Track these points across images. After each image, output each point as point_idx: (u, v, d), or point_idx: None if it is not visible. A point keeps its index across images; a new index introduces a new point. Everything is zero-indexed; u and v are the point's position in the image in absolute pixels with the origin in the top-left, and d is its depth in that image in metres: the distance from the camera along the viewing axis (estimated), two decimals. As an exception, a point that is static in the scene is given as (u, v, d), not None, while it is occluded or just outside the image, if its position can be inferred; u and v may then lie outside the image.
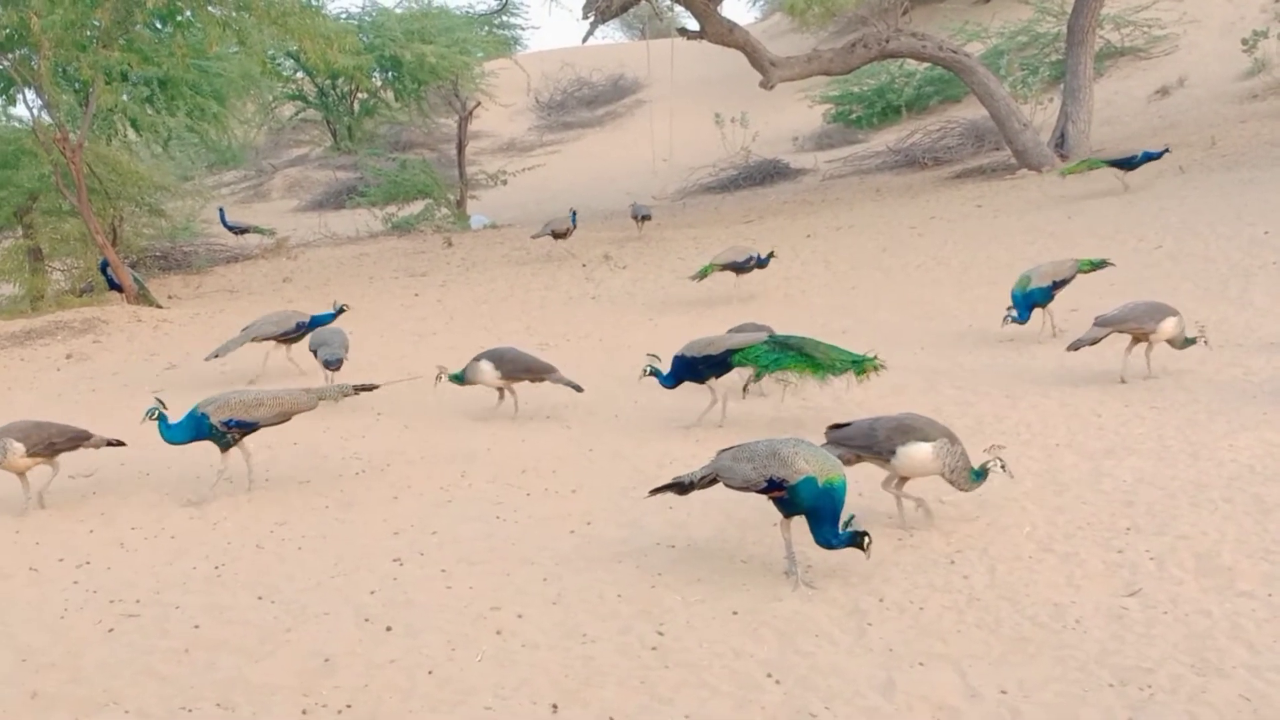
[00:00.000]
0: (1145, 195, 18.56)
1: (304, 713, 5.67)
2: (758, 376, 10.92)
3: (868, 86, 32.86)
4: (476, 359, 11.24)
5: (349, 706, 5.72)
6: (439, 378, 11.24)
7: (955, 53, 23.99)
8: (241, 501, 8.98)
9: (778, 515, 7.07)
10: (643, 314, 16.44)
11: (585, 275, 19.08)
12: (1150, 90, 27.78)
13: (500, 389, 11.40)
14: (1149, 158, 19.15)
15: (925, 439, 7.50)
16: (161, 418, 9.13)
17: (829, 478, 6.79)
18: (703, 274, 16.37)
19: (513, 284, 19.05)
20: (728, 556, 7.45)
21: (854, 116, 33.34)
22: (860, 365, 10.01)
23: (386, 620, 6.66)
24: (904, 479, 7.74)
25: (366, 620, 6.68)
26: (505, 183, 29.00)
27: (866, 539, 6.81)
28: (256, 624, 6.67)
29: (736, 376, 11.04)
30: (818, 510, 6.81)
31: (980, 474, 7.55)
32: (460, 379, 11.26)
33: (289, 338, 13.52)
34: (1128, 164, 19.17)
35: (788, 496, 6.87)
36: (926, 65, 29.74)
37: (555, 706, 5.66)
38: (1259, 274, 13.72)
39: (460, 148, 29.33)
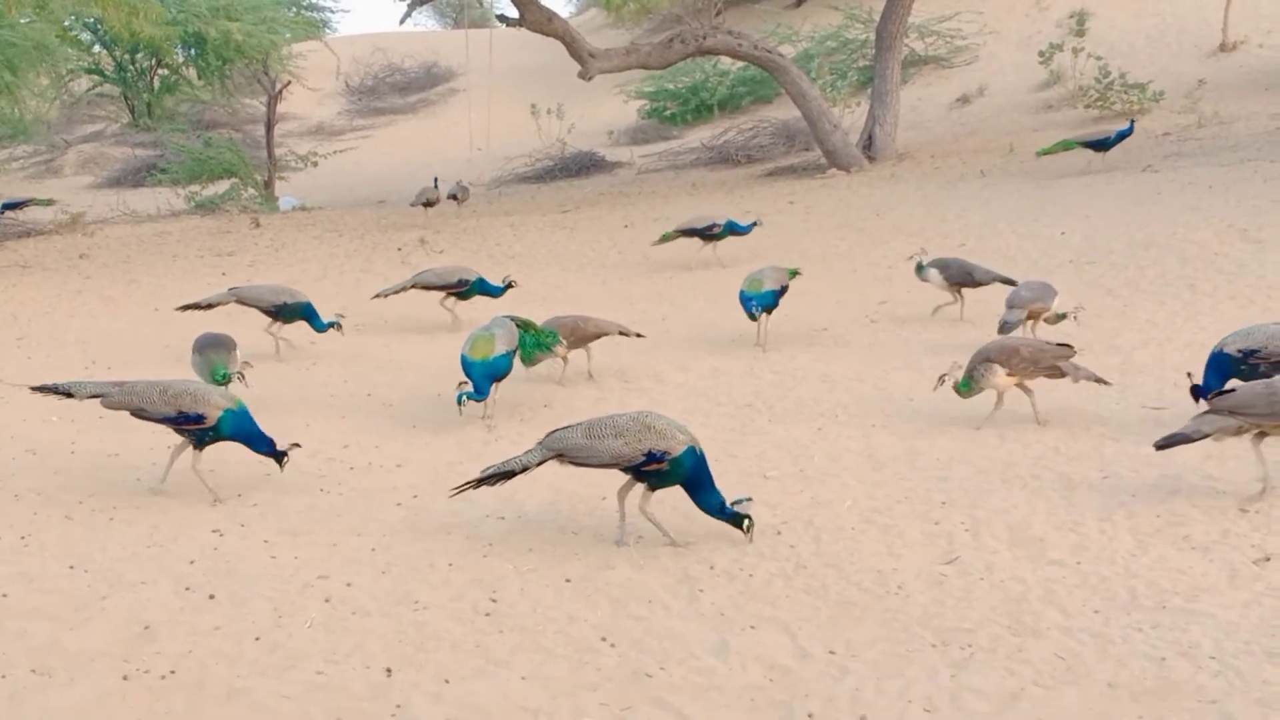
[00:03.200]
0: (949, 195, 19.26)
1: (125, 679, 5.46)
2: (532, 360, 10.94)
3: (682, 84, 33.14)
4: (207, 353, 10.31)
5: (173, 673, 5.53)
6: None
7: (770, 52, 24.42)
8: (48, 474, 8.56)
9: (607, 489, 7.08)
10: (460, 298, 16.27)
11: (401, 259, 18.80)
12: (952, 98, 28.78)
13: None
14: (1122, 136, 19.77)
15: None
16: None
17: (699, 445, 6.90)
18: (664, 239, 17.31)
19: (326, 266, 18.64)
20: (559, 528, 7.45)
21: (668, 113, 33.58)
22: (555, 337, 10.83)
23: (209, 589, 6.46)
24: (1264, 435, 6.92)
25: (187, 589, 6.46)
26: (316, 164, 28.39)
27: (748, 522, 6.92)
28: (69, 592, 6.39)
29: None
30: (699, 478, 6.87)
31: None
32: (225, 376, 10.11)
33: (454, 291, 13.99)
34: (1101, 145, 19.84)
35: (669, 469, 6.86)
36: (740, 65, 30.19)
37: (389, 670, 5.59)
38: (1057, 271, 14.34)
39: (269, 127, 28.50)
